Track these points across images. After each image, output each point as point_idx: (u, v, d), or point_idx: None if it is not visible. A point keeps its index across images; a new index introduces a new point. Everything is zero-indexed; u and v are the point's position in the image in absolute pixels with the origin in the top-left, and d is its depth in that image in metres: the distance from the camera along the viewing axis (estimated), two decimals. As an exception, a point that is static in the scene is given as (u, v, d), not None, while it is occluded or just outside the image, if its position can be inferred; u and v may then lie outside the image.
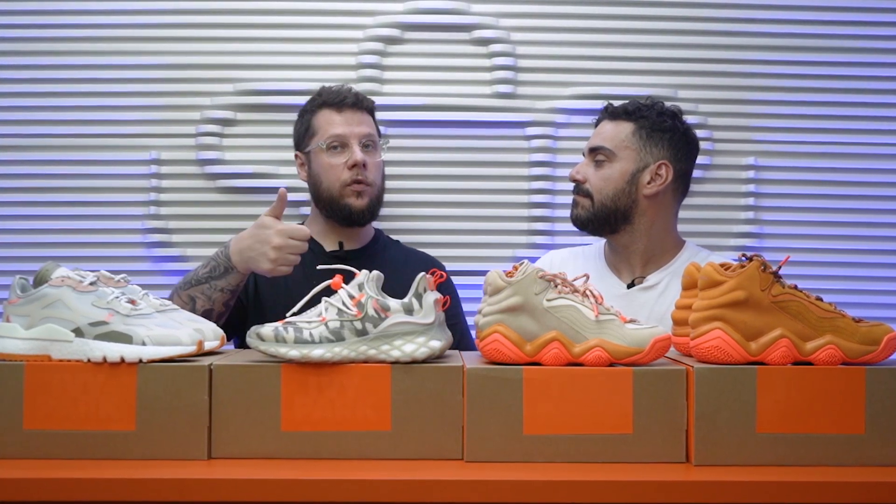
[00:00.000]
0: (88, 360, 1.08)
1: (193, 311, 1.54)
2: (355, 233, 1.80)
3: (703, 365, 1.09)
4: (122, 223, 1.98)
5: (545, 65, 2.00)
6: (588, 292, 1.14)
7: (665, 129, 1.72)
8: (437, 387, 1.09)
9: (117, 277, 1.17)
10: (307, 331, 1.09)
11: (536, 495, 1.01)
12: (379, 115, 1.85)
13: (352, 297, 1.11)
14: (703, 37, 2.00)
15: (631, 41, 2.00)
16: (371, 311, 1.10)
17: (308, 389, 1.09)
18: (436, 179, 2.00)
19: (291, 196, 1.97)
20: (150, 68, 1.98)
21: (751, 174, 2.00)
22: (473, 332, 1.68)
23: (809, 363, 1.11)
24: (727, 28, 2.00)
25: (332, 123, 1.74)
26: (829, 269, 2.00)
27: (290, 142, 1.86)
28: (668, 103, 1.77)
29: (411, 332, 1.10)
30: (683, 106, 1.96)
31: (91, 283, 1.13)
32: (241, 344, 1.74)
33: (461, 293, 1.86)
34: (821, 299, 1.14)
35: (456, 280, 1.86)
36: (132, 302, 1.13)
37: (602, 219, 1.70)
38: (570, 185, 1.97)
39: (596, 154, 1.71)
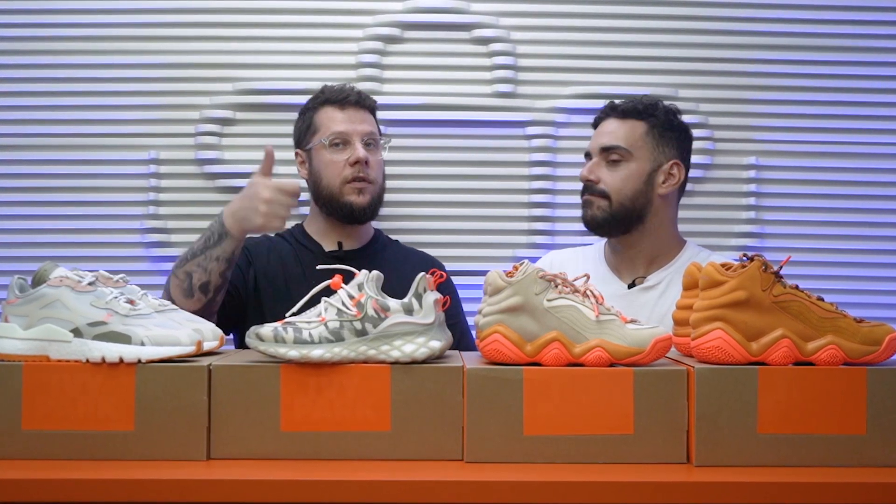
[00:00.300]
0: (87, 361, 1.08)
1: (190, 286, 1.56)
2: (355, 232, 1.79)
3: (703, 365, 1.09)
4: (120, 223, 1.98)
5: (545, 64, 2.00)
6: (588, 292, 1.13)
7: (674, 129, 1.74)
8: (437, 387, 1.09)
9: (116, 277, 1.17)
10: (306, 331, 1.08)
11: (537, 496, 1.01)
12: (379, 114, 1.85)
13: (351, 297, 1.11)
14: (703, 36, 2.00)
15: (631, 40, 2.00)
16: (371, 312, 1.10)
17: (307, 390, 1.09)
18: (436, 179, 2.00)
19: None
20: (149, 67, 1.98)
21: (752, 174, 2.00)
22: (473, 333, 1.68)
23: (811, 363, 1.11)
24: (728, 27, 2.00)
25: (334, 121, 1.74)
26: (830, 269, 2.00)
27: (289, 141, 1.85)
28: (665, 102, 1.77)
29: (411, 332, 1.10)
30: (684, 105, 1.97)
31: (90, 283, 1.12)
32: (241, 340, 1.74)
33: (461, 293, 1.85)
34: (822, 299, 1.14)
35: (456, 280, 1.85)
36: (131, 302, 1.13)
37: (619, 219, 1.69)
38: (571, 185, 1.98)
39: (610, 153, 1.70)
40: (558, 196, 2.00)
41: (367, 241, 1.82)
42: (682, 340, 1.20)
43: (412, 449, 1.08)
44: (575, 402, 1.08)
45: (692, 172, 1.86)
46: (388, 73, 1.99)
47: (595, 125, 1.77)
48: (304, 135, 1.79)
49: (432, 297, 1.11)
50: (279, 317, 1.14)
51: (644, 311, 1.66)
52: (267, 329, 1.09)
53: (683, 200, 1.83)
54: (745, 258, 1.13)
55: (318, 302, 1.12)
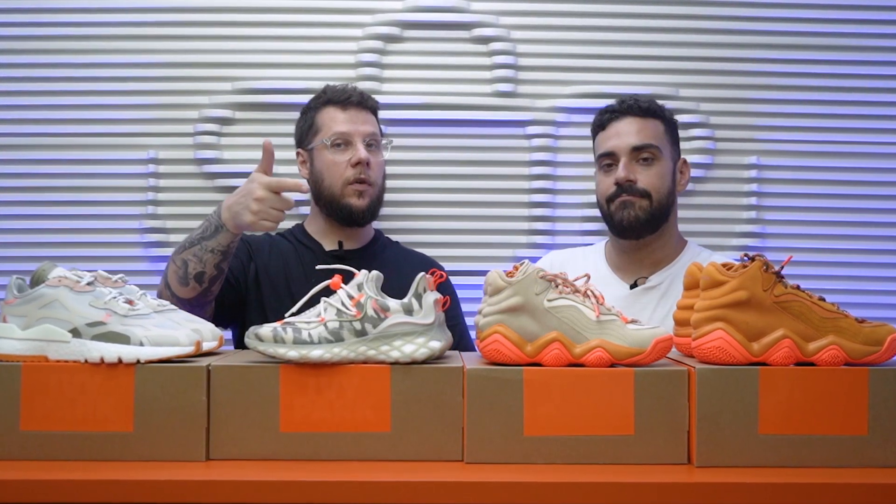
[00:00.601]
0: (86, 361, 1.08)
1: (186, 275, 1.55)
2: (355, 232, 1.79)
3: (704, 366, 1.09)
4: (119, 223, 1.97)
5: (546, 63, 1.99)
6: (589, 292, 1.13)
7: (676, 128, 1.74)
8: (436, 388, 1.08)
9: (115, 277, 1.17)
10: (306, 331, 1.08)
11: (537, 497, 1.01)
12: (378, 113, 1.84)
13: (351, 297, 1.10)
14: (704, 35, 1.99)
15: (632, 39, 1.99)
16: (370, 312, 1.09)
17: (307, 390, 1.08)
18: (436, 179, 1.99)
19: (290, 196, 1.97)
20: (148, 67, 1.97)
21: (753, 173, 2.00)
22: (473, 333, 1.68)
23: (812, 364, 1.10)
24: (729, 26, 1.99)
25: (336, 121, 1.74)
26: (831, 269, 1.99)
27: (289, 141, 1.85)
28: (662, 101, 1.78)
29: (411, 332, 1.09)
30: (685, 105, 1.97)
31: (88, 284, 1.12)
32: (240, 337, 1.74)
33: (461, 293, 1.85)
34: (823, 299, 1.14)
35: (456, 280, 1.85)
36: (130, 302, 1.12)
37: (657, 218, 1.68)
38: (571, 185, 1.98)
39: (641, 152, 1.69)
40: (559, 196, 1.99)
41: (367, 241, 1.82)
42: (682, 341, 1.20)
43: (412, 450, 1.08)
44: (575, 402, 1.08)
45: (693, 172, 1.86)
46: (387, 73, 1.99)
47: (602, 126, 1.74)
48: (305, 134, 1.79)
49: (432, 297, 1.11)
50: (279, 315, 1.14)
51: (645, 312, 1.66)
52: (266, 329, 1.08)
53: (684, 200, 1.83)
54: (746, 258, 1.12)
55: (318, 302, 1.12)
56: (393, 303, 1.10)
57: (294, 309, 1.13)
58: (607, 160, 1.72)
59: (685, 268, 1.24)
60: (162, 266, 1.95)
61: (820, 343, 1.10)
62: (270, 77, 1.98)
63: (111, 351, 1.07)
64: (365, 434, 1.08)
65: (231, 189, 1.95)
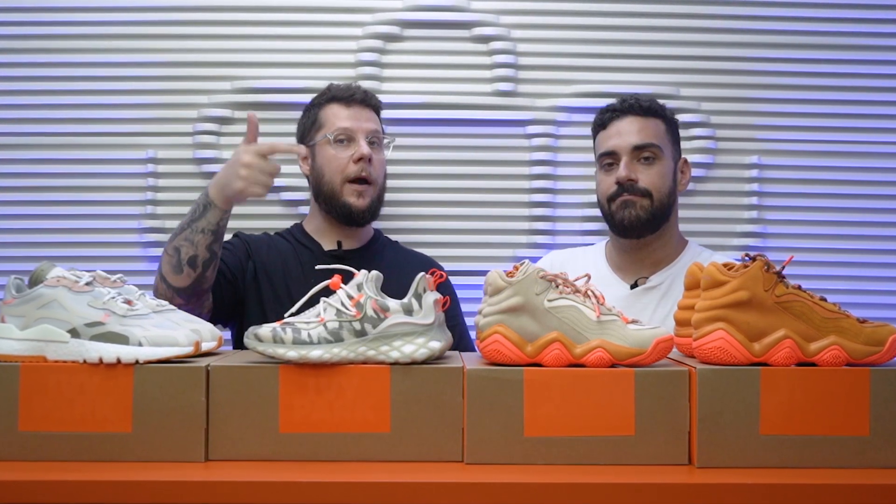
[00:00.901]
0: (84, 361, 1.07)
1: (179, 261, 1.55)
2: (354, 232, 1.79)
3: (705, 366, 1.08)
4: (118, 223, 1.97)
5: (546, 62, 1.99)
6: (589, 293, 1.13)
7: (677, 128, 1.74)
8: (436, 388, 1.08)
9: (113, 277, 1.16)
10: (305, 331, 1.08)
11: (537, 498, 1.00)
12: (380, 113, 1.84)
13: (351, 297, 1.10)
14: (705, 34, 1.99)
15: (632, 38, 1.99)
16: (370, 312, 1.09)
17: (306, 391, 1.08)
18: (436, 178, 1.99)
19: (290, 196, 1.98)
20: (147, 66, 1.97)
21: (754, 173, 1.99)
22: (472, 333, 1.68)
23: (813, 364, 1.10)
24: (730, 25, 1.99)
25: (339, 117, 1.74)
26: (833, 269, 1.99)
27: (289, 140, 1.84)
28: (663, 101, 1.77)
29: (411, 332, 1.09)
30: (686, 104, 1.97)
31: (87, 284, 1.12)
32: (238, 336, 1.73)
33: (461, 293, 1.84)
34: (825, 299, 1.13)
35: (456, 280, 1.84)
36: (128, 302, 1.12)
37: (658, 218, 1.68)
38: (572, 185, 1.98)
39: (643, 151, 1.68)
40: (559, 196, 1.99)
41: (366, 240, 1.82)
42: (683, 341, 1.20)
43: (412, 450, 1.08)
44: (576, 403, 1.07)
45: (694, 172, 1.86)
46: (387, 72, 1.98)
47: (603, 125, 1.73)
48: (308, 131, 1.78)
49: (432, 297, 1.11)
50: (279, 315, 1.13)
51: (646, 312, 1.66)
52: (265, 329, 1.08)
53: (685, 200, 1.82)
54: (747, 258, 1.12)
55: (317, 302, 1.11)
56: (393, 303, 1.10)
57: (293, 309, 1.12)
58: (608, 159, 1.71)
59: (686, 268, 1.24)
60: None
61: (821, 343, 1.10)
62: (270, 76, 1.97)
63: (110, 351, 1.07)
64: (364, 435, 1.08)
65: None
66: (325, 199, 1.74)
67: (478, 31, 1.98)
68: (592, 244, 1.89)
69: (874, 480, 1.02)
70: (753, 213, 1.99)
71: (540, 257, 1.88)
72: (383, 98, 1.89)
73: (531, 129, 1.98)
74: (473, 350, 1.55)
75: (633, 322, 1.11)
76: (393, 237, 1.90)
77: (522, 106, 1.99)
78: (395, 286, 1.22)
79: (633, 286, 1.72)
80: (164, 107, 1.97)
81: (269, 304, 1.69)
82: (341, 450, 1.08)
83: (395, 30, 1.98)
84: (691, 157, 1.88)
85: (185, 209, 1.94)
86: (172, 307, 1.18)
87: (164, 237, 1.96)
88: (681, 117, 1.86)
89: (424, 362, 1.09)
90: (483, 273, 1.19)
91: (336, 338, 1.08)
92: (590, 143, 1.82)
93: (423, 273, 1.11)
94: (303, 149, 1.52)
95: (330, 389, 1.08)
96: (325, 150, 1.74)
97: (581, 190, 1.98)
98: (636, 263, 1.74)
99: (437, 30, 1.98)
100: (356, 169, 1.71)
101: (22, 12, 1.97)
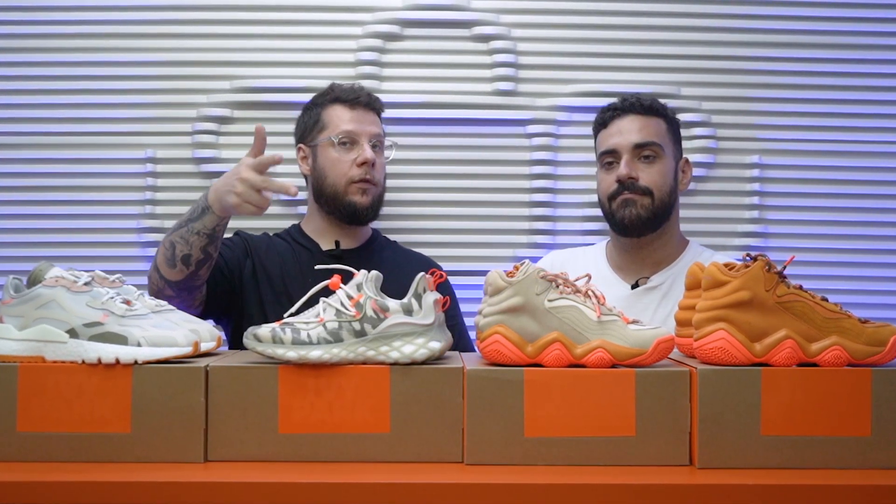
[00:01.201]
0: (83, 362, 1.07)
1: (173, 256, 1.54)
2: (353, 232, 1.78)
3: (706, 366, 1.08)
4: (117, 222, 1.97)
5: (546, 62, 1.98)
6: (590, 293, 1.12)
7: (678, 127, 1.74)
8: (436, 388, 1.07)
9: (112, 277, 1.16)
10: (305, 332, 1.07)
11: (538, 498, 1.00)
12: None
13: (350, 297, 1.10)
14: (706, 33, 1.99)
15: (633, 38, 1.98)
16: (370, 312, 1.08)
17: (306, 391, 1.07)
18: (435, 178, 1.98)
19: (289, 196, 1.96)
20: (146, 66, 1.96)
21: (755, 173, 1.99)
22: (472, 334, 1.67)
23: (815, 364, 1.10)
24: (731, 24, 1.99)
25: (343, 119, 1.74)
26: (834, 268, 1.98)
27: (287, 140, 1.84)
28: (664, 100, 1.77)
29: (410, 332, 1.08)
30: (687, 103, 1.96)
31: (86, 284, 1.11)
32: (234, 333, 1.73)
33: (461, 293, 1.84)
34: (826, 299, 1.13)
35: (456, 280, 1.84)
36: (127, 302, 1.12)
37: (659, 217, 1.68)
38: (572, 185, 1.97)
39: (643, 150, 1.68)
40: (559, 195, 1.99)
41: (364, 240, 1.81)
42: (684, 341, 1.19)
43: (412, 451, 1.07)
44: (576, 403, 1.07)
45: (695, 171, 1.86)
46: (387, 71, 1.98)
47: (604, 124, 1.73)
48: (309, 130, 1.78)
49: (432, 297, 1.10)
50: (278, 315, 1.13)
51: (647, 312, 1.65)
52: (265, 330, 1.08)
53: (686, 200, 1.82)
54: (748, 258, 1.12)
55: (317, 302, 1.11)
56: (392, 303, 1.09)
57: (293, 309, 1.12)
58: (609, 158, 1.71)
59: (687, 268, 1.24)
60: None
61: (823, 344, 1.09)
62: (269, 76, 1.97)
63: (108, 351, 1.07)
64: (364, 435, 1.07)
65: (230, 188, 1.95)
66: (328, 199, 1.74)
67: (478, 30, 1.98)
68: (593, 244, 1.88)
69: (876, 481, 1.02)
70: (754, 213, 1.99)
71: (540, 257, 1.88)
72: (383, 97, 1.88)
73: (531, 128, 1.98)
74: (473, 350, 1.55)
75: (634, 322, 1.11)
76: (393, 237, 1.90)
77: (522, 105, 1.98)
78: (393, 286, 1.21)
79: (634, 286, 1.72)
80: (163, 106, 1.97)
81: (268, 304, 1.69)
82: (341, 450, 1.07)
83: (394, 29, 1.98)
84: (692, 157, 1.88)
85: (184, 209, 1.94)
86: (171, 307, 1.18)
87: (163, 237, 1.96)
88: (682, 117, 1.86)
89: (424, 363, 1.09)
90: (483, 273, 1.19)
91: (335, 338, 1.08)
92: (590, 142, 1.82)
93: (422, 273, 1.11)
94: (294, 189, 1.49)
95: (329, 390, 1.07)
96: (328, 152, 1.74)
97: (581, 190, 1.98)
98: (637, 263, 1.73)
99: (437, 29, 1.98)
100: (359, 172, 1.71)
101: (22, 12, 1.96)
